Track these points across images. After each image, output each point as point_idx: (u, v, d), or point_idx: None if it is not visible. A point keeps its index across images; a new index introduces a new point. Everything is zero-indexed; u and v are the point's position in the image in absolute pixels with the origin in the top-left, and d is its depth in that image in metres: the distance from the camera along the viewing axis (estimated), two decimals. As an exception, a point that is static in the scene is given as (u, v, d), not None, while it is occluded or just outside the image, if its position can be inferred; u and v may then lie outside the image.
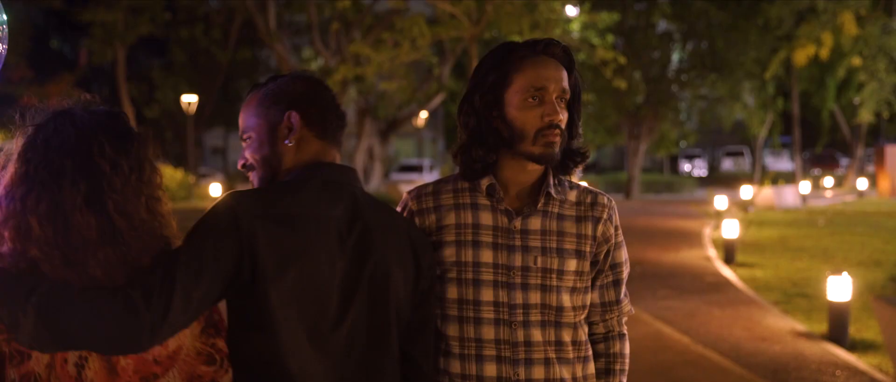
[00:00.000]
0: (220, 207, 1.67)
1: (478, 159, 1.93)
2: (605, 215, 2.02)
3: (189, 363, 1.66)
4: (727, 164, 48.99)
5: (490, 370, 1.95)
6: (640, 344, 6.87)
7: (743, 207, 22.49)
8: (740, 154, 48.51)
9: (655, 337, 7.14)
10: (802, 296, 9.00)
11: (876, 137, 40.34)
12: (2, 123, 1.66)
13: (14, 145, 1.62)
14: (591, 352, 2.06)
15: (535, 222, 1.96)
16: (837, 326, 6.93)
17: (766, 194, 23.66)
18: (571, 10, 20.50)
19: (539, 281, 1.94)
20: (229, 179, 32.85)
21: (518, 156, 1.92)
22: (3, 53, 1.82)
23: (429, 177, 32.65)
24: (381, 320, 1.78)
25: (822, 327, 7.37)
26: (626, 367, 2.10)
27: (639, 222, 18.95)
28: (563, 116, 1.91)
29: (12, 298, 1.49)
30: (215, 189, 24.77)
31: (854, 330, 7.23)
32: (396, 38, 18.81)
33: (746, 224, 17.09)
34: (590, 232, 2.00)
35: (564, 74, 1.92)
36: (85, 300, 1.51)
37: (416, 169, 35.41)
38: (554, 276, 1.95)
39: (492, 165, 1.94)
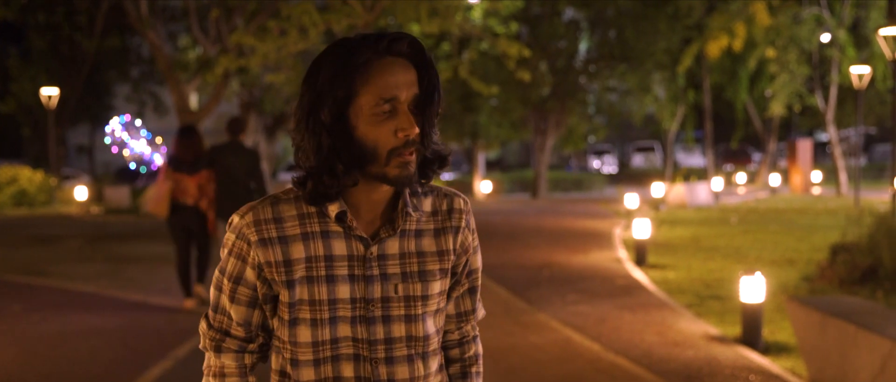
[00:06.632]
0: (210, 147, 9.16)
1: (332, 186, 1.76)
2: (462, 223, 1.93)
3: (207, 177, 8.82)
4: (638, 160, 50.04)
5: None
6: (548, 353, 6.99)
7: (654, 205, 23.12)
8: (651, 150, 49.65)
9: (564, 345, 7.28)
10: (715, 298, 9.31)
11: (788, 131, 41.98)
12: None
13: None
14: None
15: (393, 246, 1.84)
16: (751, 328, 7.19)
17: (678, 191, 24.36)
18: (473, -3, 20.65)
19: (402, 312, 1.84)
20: (97, 181, 31.78)
21: (370, 178, 1.78)
22: None
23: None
24: (242, 175, 8.99)
25: (736, 330, 7.65)
26: (481, 368, 2.08)
27: (546, 222, 19.27)
28: (418, 128, 1.77)
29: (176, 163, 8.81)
30: (81, 192, 23.56)
31: (768, 332, 7.52)
32: (283, 26, 18.57)
33: (658, 223, 17.57)
34: (451, 246, 1.91)
35: (414, 76, 1.77)
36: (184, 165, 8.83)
37: (307, 168, 34.97)
38: (419, 303, 1.86)
39: (345, 188, 1.79)
